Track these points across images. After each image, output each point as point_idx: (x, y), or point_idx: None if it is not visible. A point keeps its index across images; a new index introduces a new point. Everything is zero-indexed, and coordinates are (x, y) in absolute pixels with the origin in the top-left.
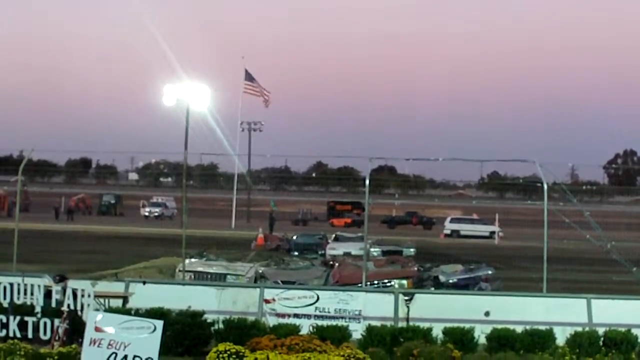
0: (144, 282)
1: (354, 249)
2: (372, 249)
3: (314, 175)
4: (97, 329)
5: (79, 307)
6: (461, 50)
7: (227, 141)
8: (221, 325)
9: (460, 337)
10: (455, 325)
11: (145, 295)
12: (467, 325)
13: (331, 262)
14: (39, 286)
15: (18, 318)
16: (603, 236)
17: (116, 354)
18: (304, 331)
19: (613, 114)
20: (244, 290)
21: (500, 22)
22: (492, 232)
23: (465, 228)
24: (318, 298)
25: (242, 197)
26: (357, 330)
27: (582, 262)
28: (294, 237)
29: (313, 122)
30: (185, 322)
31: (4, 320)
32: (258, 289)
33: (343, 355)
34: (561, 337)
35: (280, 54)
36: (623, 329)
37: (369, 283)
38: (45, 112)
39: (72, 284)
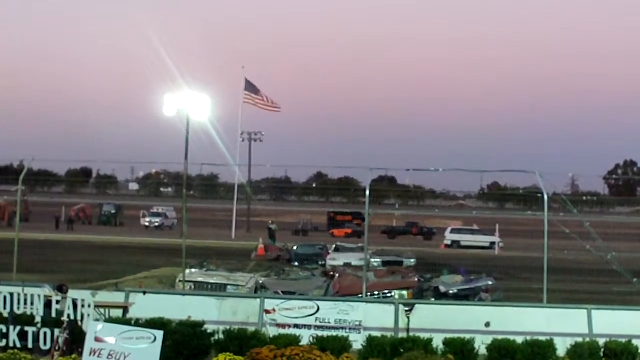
0: (144, 293)
1: (355, 259)
2: (372, 260)
3: (314, 185)
4: (97, 339)
5: (79, 317)
6: (461, 58)
7: (227, 151)
8: (221, 336)
9: (460, 348)
10: (456, 336)
11: (146, 305)
12: (467, 336)
13: (331, 273)
14: (39, 296)
15: (18, 328)
16: (603, 247)
17: None
18: (305, 342)
19: (613, 124)
20: (245, 300)
21: (499, 30)
22: (493, 243)
23: (466, 239)
24: (318, 308)
25: (243, 208)
26: (358, 341)
27: (583, 272)
28: (294, 248)
29: (313, 132)
30: (185, 332)
31: (4, 330)
32: (258, 300)
33: None
34: (562, 347)
35: (280, 64)
36: (623, 340)
37: (369, 294)
38: (45, 122)
39: (72, 294)
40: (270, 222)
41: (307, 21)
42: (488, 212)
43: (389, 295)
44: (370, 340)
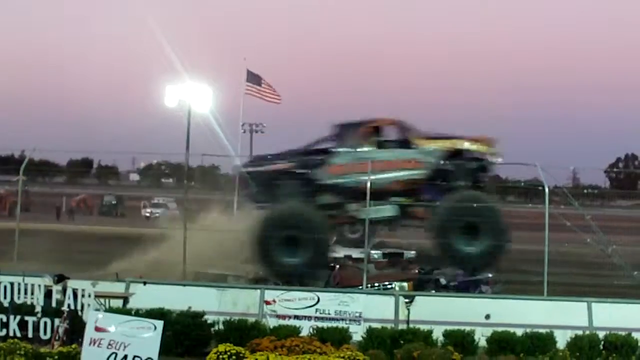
0: (145, 283)
1: (355, 251)
2: (373, 252)
3: None
4: (97, 329)
5: (79, 307)
6: (463, 51)
7: (228, 142)
8: (221, 326)
9: (460, 340)
10: (456, 327)
11: (146, 295)
12: (467, 328)
13: (332, 264)
14: (39, 286)
15: (18, 317)
16: (604, 240)
17: (116, 354)
18: (304, 333)
19: (615, 117)
20: (245, 291)
21: (501, 23)
22: None
23: None
24: (318, 300)
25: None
26: (358, 332)
27: (583, 265)
28: None
29: (314, 124)
30: (185, 322)
31: (4, 319)
32: (259, 290)
33: (343, 357)
34: (562, 340)
35: (282, 54)
36: (623, 333)
37: (369, 285)
38: (46, 112)
39: (72, 283)
40: None
41: (310, 12)
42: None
43: (389, 286)
44: (370, 331)
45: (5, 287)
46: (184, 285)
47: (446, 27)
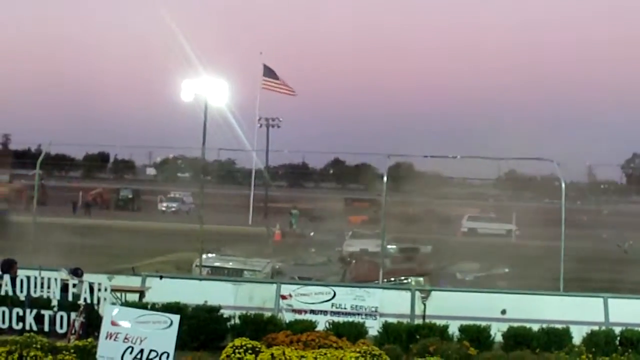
0: (161, 277)
1: (371, 245)
2: (389, 246)
3: (331, 171)
4: (114, 323)
5: (95, 301)
6: (480, 45)
7: (245, 137)
8: (237, 321)
9: (476, 335)
10: (472, 323)
11: (162, 289)
12: (483, 323)
13: (348, 259)
14: (55, 280)
15: (35, 311)
16: (620, 235)
17: (132, 348)
18: (320, 327)
19: (631, 113)
20: (261, 285)
21: (516, 18)
22: (509, 231)
23: (483, 226)
24: (335, 294)
25: (260, 193)
26: (374, 327)
27: (599, 261)
28: (311, 234)
29: (331, 118)
30: (201, 317)
31: (21, 313)
32: (275, 285)
33: (359, 352)
34: (577, 336)
35: (298, 49)
36: None
37: (385, 280)
38: (63, 106)
39: (88, 277)
40: (293, 208)
41: (325, 6)
42: (505, 199)
43: (405, 281)
44: (386, 326)
45: (21, 281)
46: (200, 279)
47: (463, 19)
